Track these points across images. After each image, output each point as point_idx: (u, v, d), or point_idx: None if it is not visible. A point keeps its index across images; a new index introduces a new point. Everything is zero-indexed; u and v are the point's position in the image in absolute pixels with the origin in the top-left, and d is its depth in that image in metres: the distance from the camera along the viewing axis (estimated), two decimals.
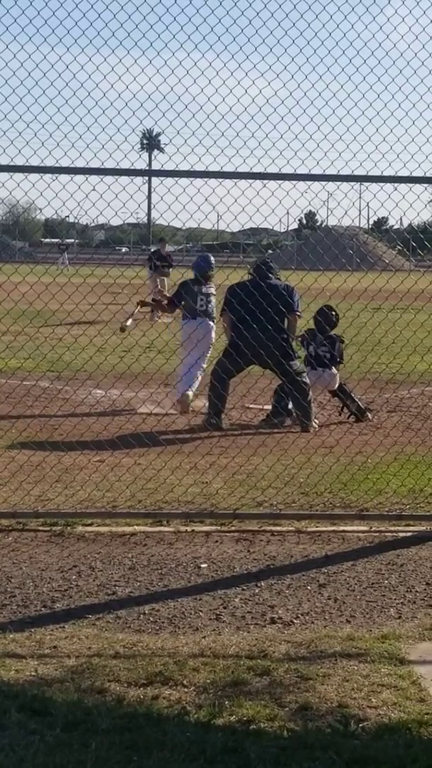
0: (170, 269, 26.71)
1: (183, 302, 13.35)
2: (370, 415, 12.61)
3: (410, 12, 8.36)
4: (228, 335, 12.26)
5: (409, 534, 8.02)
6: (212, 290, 13.47)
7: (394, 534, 8.01)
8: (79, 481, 8.95)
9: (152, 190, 8.60)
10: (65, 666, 5.41)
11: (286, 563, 7.27)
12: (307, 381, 11.90)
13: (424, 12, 8.33)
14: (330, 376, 12.66)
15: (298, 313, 12.18)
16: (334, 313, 12.87)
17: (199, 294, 13.29)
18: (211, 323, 13.41)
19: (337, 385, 12.77)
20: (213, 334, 13.57)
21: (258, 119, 8.31)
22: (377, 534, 8.00)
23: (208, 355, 13.42)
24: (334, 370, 12.76)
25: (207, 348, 13.28)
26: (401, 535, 8.00)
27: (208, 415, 11.94)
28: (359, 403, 12.61)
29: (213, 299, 13.38)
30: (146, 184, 9.14)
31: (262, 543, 7.71)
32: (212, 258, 14.01)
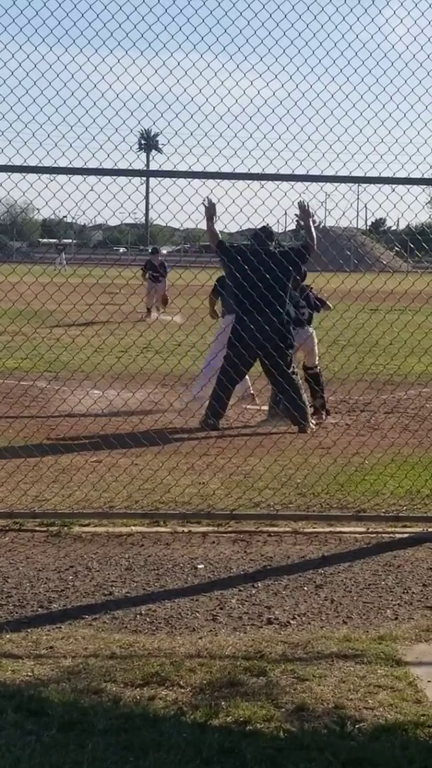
0: (164, 278, 26.45)
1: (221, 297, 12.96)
2: (325, 418, 12.40)
3: (408, 13, 8.37)
4: (211, 315, 12.16)
5: (406, 535, 8.03)
6: None
7: (391, 535, 8.01)
8: (76, 481, 8.95)
9: (150, 190, 8.62)
10: (61, 666, 5.41)
11: (283, 564, 7.28)
12: (299, 380, 11.85)
13: (423, 13, 8.34)
14: (311, 339, 12.57)
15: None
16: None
17: None
18: None
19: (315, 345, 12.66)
20: None
21: (256, 120, 8.31)
22: (374, 535, 8.00)
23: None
24: (309, 328, 12.66)
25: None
26: (398, 536, 8.00)
27: (205, 416, 11.93)
28: (325, 400, 12.53)
29: None
30: (144, 185, 9.16)
31: (258, 544, 7.71)
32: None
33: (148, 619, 6.20)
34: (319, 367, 12.75)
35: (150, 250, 28.62)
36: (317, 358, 12.70)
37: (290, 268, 11.49)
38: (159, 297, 26.16)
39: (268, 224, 11.94)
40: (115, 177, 8.02)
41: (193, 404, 12.63)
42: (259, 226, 11.78)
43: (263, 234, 11.86)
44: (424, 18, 8.35)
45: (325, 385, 12.96)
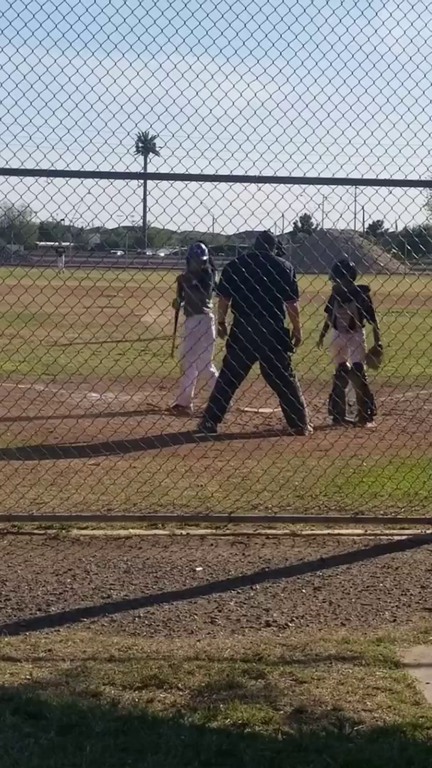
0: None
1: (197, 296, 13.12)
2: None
3: (405, 15, 8.37)
4: (219, 319, 12.17)
5: (404, 537, 8.03)
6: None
7: (390, 537, 8.01)
8: (74, 484, 8.95)
9: (147, 193, 8.60)
10: (60, 669, 5.40)
11: (281, 566, 7.27)
12: (297, 383, 11.84)
13: (419, 15, 8.34)
14: (360, 339, 12.57)
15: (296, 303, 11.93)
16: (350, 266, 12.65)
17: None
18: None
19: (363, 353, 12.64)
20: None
21: (253, 122, 8.32)
22: (372, 537, 8.00)
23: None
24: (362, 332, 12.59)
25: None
26: (396, 538, 8.01)
27: (203, 419, 11.92)
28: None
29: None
30: (141, 188, 9.14)
31: (257, 546, 7.71)
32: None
33: (146, 622, 6.20)
34: (365, 374, 12.67)
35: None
36: (361, 361, 12.65)
37: (287, 275, 11.52)
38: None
39: (269, 230, 11.92)
40: (112, 180, 8.02)
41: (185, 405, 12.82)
42: (260, 232, 11.78)
43: (263, 239, 11.87)
44: (421, 20, 8.33)
45: (322, 388, 12.95)
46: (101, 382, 13.10)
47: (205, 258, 13.49)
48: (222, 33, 8.08)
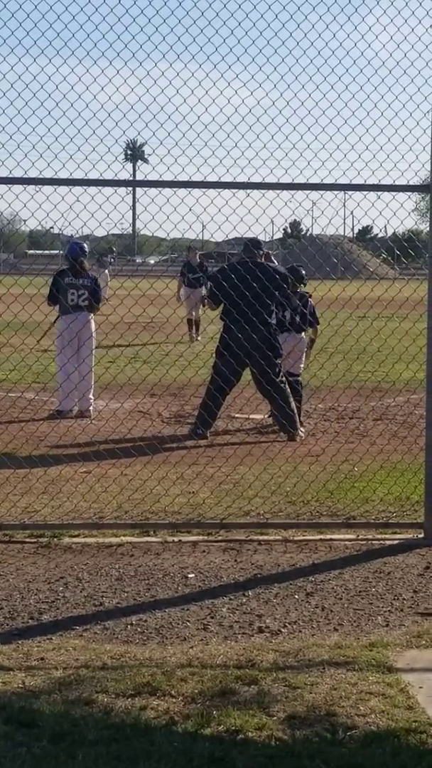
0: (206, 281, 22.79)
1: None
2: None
3: (391, 21, 8.38)
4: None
5: (395, 542, 8.03)
6: (88, 282, 13.32)
7: (381, 542, 8.02)
8: (65, 492, 8.94)
9: (136, 200, 8.60)
10: (52, 677, 5.39)
11: (274, 572, 7.27)
12: (288, 389, 11.84)
13: (405, 21, 8.34)
14: (294, 340, 12.51)
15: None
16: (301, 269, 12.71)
17: (71, 287, 13.00)
18: (88, 315, 13.28)
19: (303, 353, 12.56)
20: (92, 327, 13.42)
21: (241, 128, 8.32)
22: (364, 542, 8.00)
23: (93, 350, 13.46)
24: (300, 335, 12.56)
25: (88, 343, 13.25)
26: (388, 543, 8.01)
27: (194, 425, 11.91)
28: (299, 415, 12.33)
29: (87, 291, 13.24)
30: (130, 195, 9.15)
31: (249, 552, 7.71)
32: (85, 245, 13.52)
33: (138, 629, 6.19)
34: (301, 377, 12.69)
35: (187, 248, 25.37)
36: (302, 367, 12.68)
37: (276, 281, 11.53)
38: (197, 304, 21.97)
39: (256, 236, 11.93)
40: (101, 187, 8.02)
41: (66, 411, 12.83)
42: (247, 238, 11.78)
43: (251, 244, 11.88)
44: (407, 25, 8.33)
45: (312, 394, 12.95)
46: (92, 390, 13.09)
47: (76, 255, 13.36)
48: (209, 40, 8.08)
